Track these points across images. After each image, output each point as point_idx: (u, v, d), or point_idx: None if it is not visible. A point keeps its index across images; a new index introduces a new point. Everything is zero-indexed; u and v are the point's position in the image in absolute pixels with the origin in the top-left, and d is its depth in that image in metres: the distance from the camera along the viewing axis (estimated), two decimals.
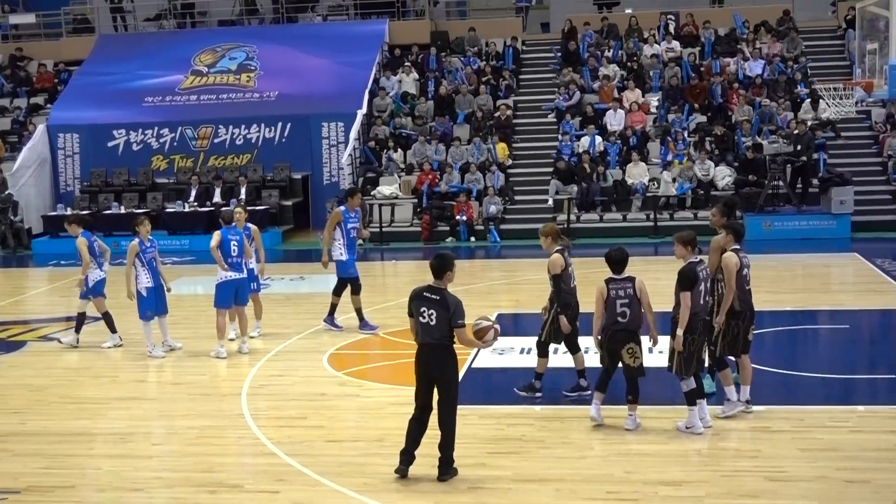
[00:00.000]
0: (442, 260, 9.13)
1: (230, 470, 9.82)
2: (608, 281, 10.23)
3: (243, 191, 25.86)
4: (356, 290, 15.16)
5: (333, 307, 15.33)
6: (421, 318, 9.00)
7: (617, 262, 10.24)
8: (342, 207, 15.42)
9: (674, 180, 24.69)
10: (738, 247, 10.59)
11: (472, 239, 24.61)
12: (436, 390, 9.07)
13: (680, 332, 10.01)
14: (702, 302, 10.19)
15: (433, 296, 9.01)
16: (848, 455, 9.60)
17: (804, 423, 10.37)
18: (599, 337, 10.35)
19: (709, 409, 10.33)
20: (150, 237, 14.38)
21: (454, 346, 9.04)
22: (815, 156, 24.44)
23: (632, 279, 10.23)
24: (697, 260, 10.26)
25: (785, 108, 26.12)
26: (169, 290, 14.53)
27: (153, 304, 14.23)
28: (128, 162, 28.04)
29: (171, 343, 14.48)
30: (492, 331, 9.17)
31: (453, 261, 9.19)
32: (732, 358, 10.72)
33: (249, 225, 14.95)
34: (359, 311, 15.21)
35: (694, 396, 10.15)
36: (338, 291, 15.29)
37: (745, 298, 10.52)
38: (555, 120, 27.58)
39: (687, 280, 10.02)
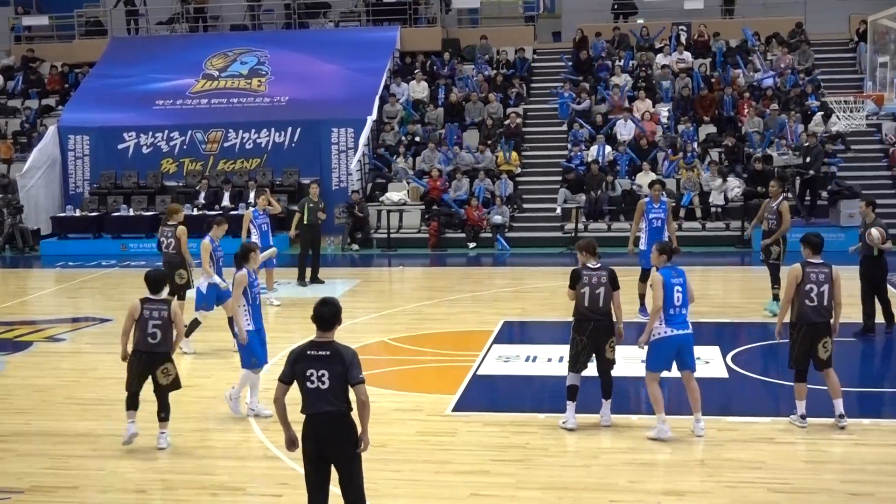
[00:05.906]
0: (333, 308, 7.43)
1: (232, 473, 9.82)
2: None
3: (252, 195, 25.82)
4: (644, 278, 15.34)
5: (641, 297, 15.50)
6: (309, 384, 7.32)
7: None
8: (647, 198, 15.85)
9: (679, 191, 24.65)
10: (816, 260, 10.77)
11: (472, 245, 24.47)
12: (335, 471, 7.43)
13: None
14: (586, 304, 10.51)
15: (321, 352, 7.31)
16: (852, 468, 9.59)
17: (809, 435, 10.34)
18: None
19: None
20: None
21: (351, 413, 7.40)
22: (825, 169, 24.34)
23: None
24: (595, 266, 10.65)
25: (795, 120, 26.05)
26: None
27: (257, 348, 11.25)
28: (137, 164, 28.04)
29: (258, 408, 11.41)
30: None
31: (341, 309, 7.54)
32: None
33: (269, 208, 17.92)
34: (642, 297, 15.45)
35: (573, 393, 10.65)
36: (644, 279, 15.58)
37: (803, 311, 10.55)
38: (565, 129, 27.57)
39: (571, 279, 10.65)
